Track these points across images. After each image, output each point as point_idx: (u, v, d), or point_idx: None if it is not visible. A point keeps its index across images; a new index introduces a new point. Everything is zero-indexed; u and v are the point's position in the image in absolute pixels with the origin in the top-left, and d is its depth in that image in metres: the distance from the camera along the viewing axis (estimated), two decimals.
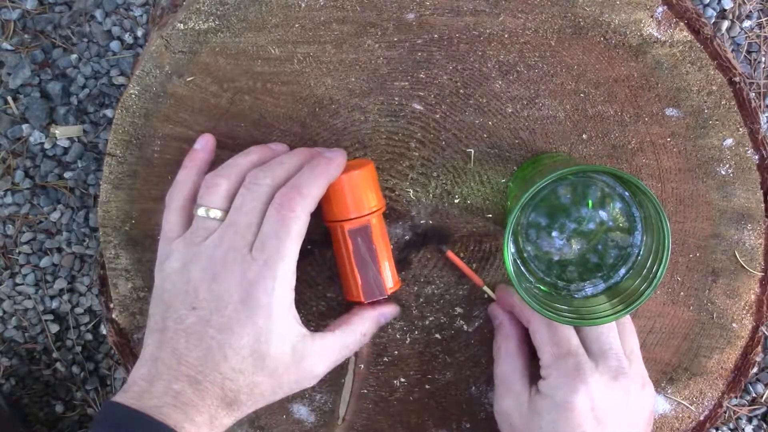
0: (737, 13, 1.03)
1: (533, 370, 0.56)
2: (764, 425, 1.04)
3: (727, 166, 0.61)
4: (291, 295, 0.47)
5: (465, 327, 0.64)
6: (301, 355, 0.48)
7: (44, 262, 1.03)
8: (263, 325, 0.46)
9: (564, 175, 0.50)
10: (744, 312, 0.63)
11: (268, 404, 0.50)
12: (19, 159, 1.02)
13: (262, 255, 0.46)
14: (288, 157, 0.53)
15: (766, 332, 0.64)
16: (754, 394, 1.04)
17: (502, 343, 0.58)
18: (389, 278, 0.53)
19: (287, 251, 0.46)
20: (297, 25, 0.61)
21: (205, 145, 0.57)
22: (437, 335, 0.64)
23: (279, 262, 0.46)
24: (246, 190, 0.49)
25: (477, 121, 0.62)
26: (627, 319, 0.57)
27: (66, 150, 1.02)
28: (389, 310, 0.57)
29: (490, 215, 0.63)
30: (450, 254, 0.57)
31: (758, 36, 1.03)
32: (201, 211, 0.51)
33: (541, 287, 0.56)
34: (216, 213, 0.50)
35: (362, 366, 0.65)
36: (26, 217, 1.03)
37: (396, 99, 0.62)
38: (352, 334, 0.52)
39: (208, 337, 0.46)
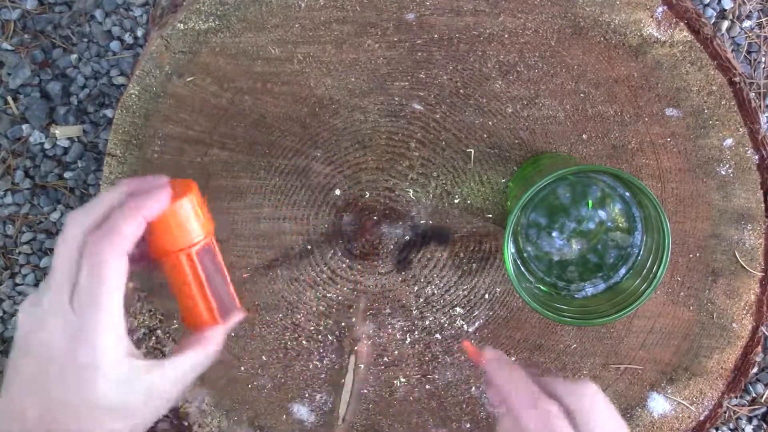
0: (737, 13, 1.03)
1: None
2: (764, 425, 1.04)
3: (727, 166, 0.61)
4: (120, 341, 0.45)
5: (465, 327, 0.64)
6: (150, 389, 0.46)
7: (44, 262, 1.03)
8: (99, 379, 0.44)
9: (564, 175, 0.50)
10: (744, 312, 0.63)
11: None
12: (19, 159, 1.02)
13: (80, 308, 0.44)
14: (108, 193, 0.48)
15: (766, 332, 0.64)
16: (754, 394, 1.04)
17: None
18: (235, 295, 0.49)
19: (104, 300, 0.44)
20: (297, 25, 0.61)
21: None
22: (437, 335, 0.64)
23: (98, 313, 0.44)
24: (59, 236, 0.46)
25: (477, 121, 0.62)
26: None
27: (66, 150, 1.02)
28: (236, 317, 0.52)
29: (490, 215, 0.63)
30: (467, 345, 0.52)
31: (758, 36, 1.03)
32: None
33: (541, 287, 0.56)
34: None
35: (362, 366, 0.65)
36: (26, 217, 1.03)
37: (396, 99, 0.62)
38: (204, 352, 0.49)
39: (47, 392, 0.44)
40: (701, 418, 0.65)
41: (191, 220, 0.46)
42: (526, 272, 0.56)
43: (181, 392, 0.49)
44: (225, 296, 0.48)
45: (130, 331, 0.65)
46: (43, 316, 0.44)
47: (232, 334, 0.57)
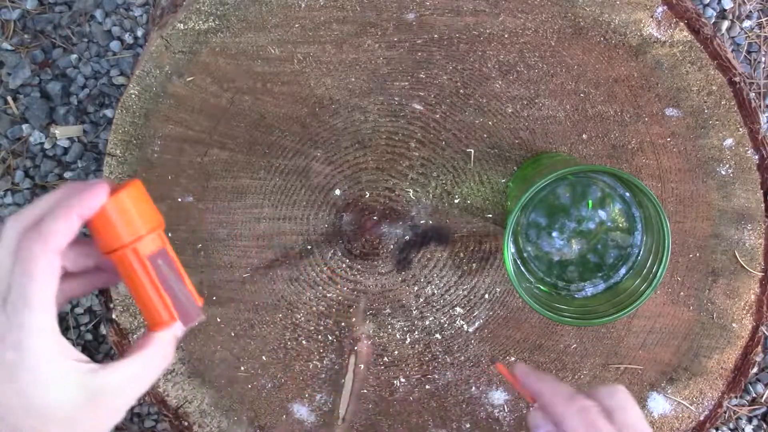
0: (737, 13, 1.03)
1: None
2: (764, 425, 1.04)
3: (727, 166, 0.61)
4: (52, 340, 0.43)
5: (465, 327, 0.64)
6: (95, 393, 0.44)
7: None
8: (28, 380, 0.42)
9: (564, 175, 0.50)
10: (744, 312, 0.63)
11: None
12: (19, 159, 1.02)
13: (7, 307, 0.43)
14: (47, 195, 0.47)
15: (766, 332, 0.64)
16: (754, 394, 1.04)
17: None
18: (196, 294, 0.47)
19: (33, 298, 0.42)
20: (297, 25, 0.61)
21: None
22: (437, 335, 0.64)
23: (24, 312, 0.42)
24: None
25: (477, 121, 0.62)
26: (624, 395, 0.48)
27: (66, 150, 1.02)
28: (195, 317, 0.50)
29: (490, 215, 0.63)
30: (499, 367, 0.51)
31: (758, 36, 1.03)
32: None
33: (542, 287, 0.56)
34: None
35: (362, 366, 0.65)
36: None
37: (396, 99, 0.62)
38: (152, 356, 0.46)
39: None
40: (701, 418, 0.65)
41: (132, 215, 0.44)
42: (526, 272, 0.56)
43: (135, 399, 0.46)
44: (181, 293, 0.46)
45: (131, 331, 0.65)
46: None
47: (199, 331, 0.52)
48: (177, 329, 0.47)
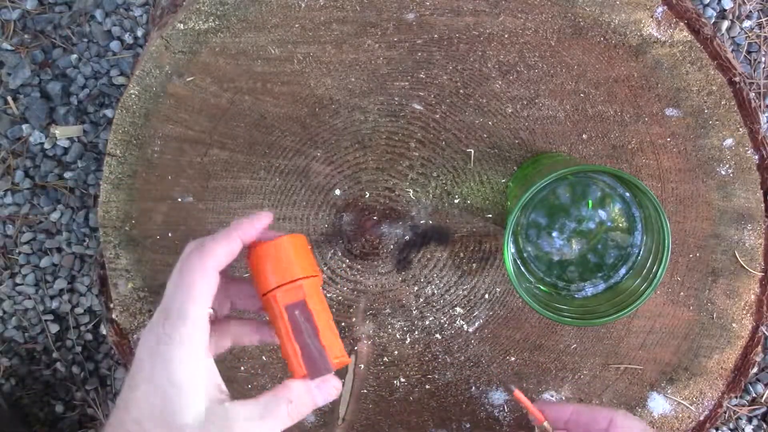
0: (737, 13, 1.03)
1: None
2: (764, 425, 1.04)
3: (727, 166, 0.61)
4: (200, 356, 0.45)
5: (465, 327, 0.64)
6: (216, 422, 0.45)
7: (44, 262, 1.03)
8: (168, 388, 0.44)
9: (564, 175, 0.50)
10: (744, 312, 0.63)
11: None
12: (19, 159, 1.02)
13: (167, 318, 0.45)
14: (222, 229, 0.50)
15: (766, 332, 0.64)
16: (754, 394, 1.04)
17: None
18: (335, 351, 0.48)
19: (187, 312, 0.44)
20: (297, 25, 0.61)
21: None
22: (437, 335, 0.64)
23: (179, 324, 0.44)
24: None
25: (477, 121, 0.62)
26: None
27: (66, 150, 1.02)
28: (328, 388, 0.50)
29: (490, 215, 0.63)
30: (517, 393, 0.53)
31: (758, 36, 1.03)
32: None
33: (542, 287, 0.56)
34: None
35: (362, 366, 0.65)
36: (26, 217, 1.03)
37: (396, 99, 0.62)
38: (278, 400, 0.48)
39: (123, 396, 0.45)
40: (701, 418, 0.65)
41: (282, 263, 0.46)
42: (526, 272, 0.56)
43: None
44: (314, 347, 0.46)
45: (131, 331, 0.65)
46: (144, 335, 0.45)
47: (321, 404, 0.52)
48: (304, 385, 0.48)
